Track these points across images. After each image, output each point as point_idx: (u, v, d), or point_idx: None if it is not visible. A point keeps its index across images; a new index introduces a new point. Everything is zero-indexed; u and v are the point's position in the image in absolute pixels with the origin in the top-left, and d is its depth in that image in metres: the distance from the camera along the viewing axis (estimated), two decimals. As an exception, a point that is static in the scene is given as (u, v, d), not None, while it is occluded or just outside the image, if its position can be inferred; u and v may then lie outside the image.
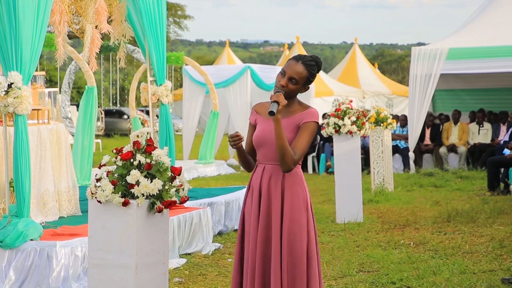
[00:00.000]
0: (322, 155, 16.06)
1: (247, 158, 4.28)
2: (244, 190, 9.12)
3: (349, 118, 9.58)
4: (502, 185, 11.94)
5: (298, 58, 4.16)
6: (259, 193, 4.16)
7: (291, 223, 4.08)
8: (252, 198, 4.18)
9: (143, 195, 4.04)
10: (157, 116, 9.95)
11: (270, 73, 17.70)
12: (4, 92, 5.90)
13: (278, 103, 4.01)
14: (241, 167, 4.50)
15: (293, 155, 4.03)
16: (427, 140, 16.33)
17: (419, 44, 67.09)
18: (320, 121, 11.89)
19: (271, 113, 3.99)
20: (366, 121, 9.83)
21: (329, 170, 15.31)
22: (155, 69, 9.01)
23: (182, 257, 7.39)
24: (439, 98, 17.82)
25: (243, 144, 4.25)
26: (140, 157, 4.08)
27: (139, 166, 4.08)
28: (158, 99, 9.24)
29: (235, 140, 4.10)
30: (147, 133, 4.20)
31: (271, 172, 4.13)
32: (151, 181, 4.04)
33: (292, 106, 4.17)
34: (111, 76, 28.11)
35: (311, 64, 4.15)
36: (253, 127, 4.27)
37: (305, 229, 4.11)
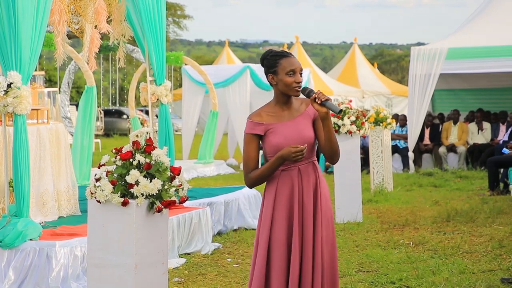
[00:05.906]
0: (322, 155, 16.06)
1: None
2: (244, 190, 9.21)
3: (348, 118, 9.59)
4: (501, 185, 11.94)
5: (286, 54, 4.20)
6: (300, 194, 4.15)
7: (329, 215, 4.20)
8: (293, 202, 4.14)
9: (142, 195, 4.04)
10: (156, 116, 9.94)
11: (270, 73, 17.66)
12: (3, 92, 5.90)
13: (327, 99, 4.07)
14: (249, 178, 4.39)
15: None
16: (427, 140, 16.32)
17: (419, 44, 67.09)
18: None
19: (340, 111, 4.05)
20: (366, 121, 9.84)
21: (329, 170, 15.30)
22: (154, 68, 9.00)
23: (182, 257, 7.39)
24: (438, 98, 17.82)
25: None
26: (139, 157, 4.08)
27: (139, 166, 4.08)
28: (157, 99, 9.24)
29: (304, 153, 4.03)
30: (147, 133, 4.20)
31: (307, 170, 4.17)
32: (151, 181, 4.04)
33: (295, 103, 4.21)
34: (111, 76, 28.09)
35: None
36: (258, 138, 4.17)
37: (332, 219, 4.26)
